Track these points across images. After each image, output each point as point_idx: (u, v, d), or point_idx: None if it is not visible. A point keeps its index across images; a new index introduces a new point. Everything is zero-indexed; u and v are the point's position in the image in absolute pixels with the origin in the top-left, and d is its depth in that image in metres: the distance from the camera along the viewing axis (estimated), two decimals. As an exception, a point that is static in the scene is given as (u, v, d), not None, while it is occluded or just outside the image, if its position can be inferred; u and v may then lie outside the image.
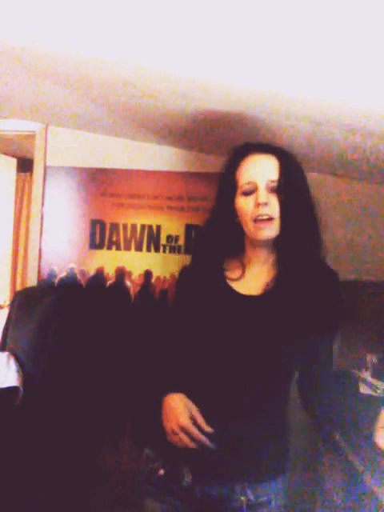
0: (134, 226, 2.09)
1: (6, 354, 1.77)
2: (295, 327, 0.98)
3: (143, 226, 2.08)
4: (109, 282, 2.08)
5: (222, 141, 1.55)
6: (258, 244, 1.05)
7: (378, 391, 1.56)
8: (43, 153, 2.12)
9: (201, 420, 0.95)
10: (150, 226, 2.08)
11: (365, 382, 1.61)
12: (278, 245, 1.04)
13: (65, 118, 1.97)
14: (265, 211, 0.99)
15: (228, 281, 1.07)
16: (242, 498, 0.94)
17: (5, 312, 2.90)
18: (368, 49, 0.85)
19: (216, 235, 1.11)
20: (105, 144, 2.10)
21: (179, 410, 0.96)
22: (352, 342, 1.70)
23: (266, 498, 0.96)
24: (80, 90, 1.47)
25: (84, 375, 1.82)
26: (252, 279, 1.06)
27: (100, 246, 2.10)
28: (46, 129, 2.11)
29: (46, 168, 2.12)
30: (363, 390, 1.59)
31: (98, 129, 2.03)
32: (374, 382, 1.58)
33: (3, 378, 1.63)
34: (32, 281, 2.12)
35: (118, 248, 2.09)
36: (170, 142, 2.00)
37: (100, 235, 2.10)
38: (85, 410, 1.84)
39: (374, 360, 1.62)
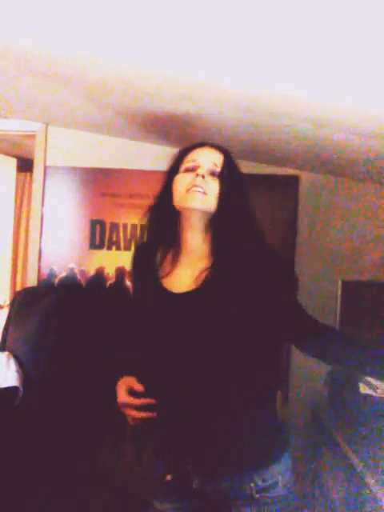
0: (134, 226, 2.09)
1: (6, 353, 1.77)
2: (231, 319, 0.95)
3: (143, 226, 2.08)
4: (109, 282, 2.08)
5: (222, 142, 1.55)
6: (188, 225, 1.03)
7: (378, 391, 1.56)
8: (43, 153, 2.12)
9: (137, 387, 1.03)
10: (150, 226, 2.08)
11: (365, 382, 1.61)
12: (213, 238, 1.02)
13: (65, 118, 1.97)
14: (201, 183, 0.98)
15: (160, 277, 1.06)
16: (252, 484, 0.96)
17: (5, 312, 2.89)
18: (368, 50, 0.85)
19: (153, 223, 1.13)
20: (105, 144, 2.10)
21: (118, 391, 1.05)
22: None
23: (273, 481, 0.97)
24: (80, 90, 1.47)
25: (84, 375, 1.82)
26: (183, 274, 1.04)
27: (100, 246, 2.10)
28: (46, 129, 2.11)
29: (45, 168, 2.12)
30: (363, 390, 1.60)
31: (98, 129, 2.03)
32: (374, 382, 1.58)
33: (3, 377, 1.64)
34: (32, 281, 2.12)
35: (118, 248, 2.09)
36: (170, 143, 2.00)
37: (100, 235, 2.10)
38: (85, 410, 1.84)
39: (374, 360, 1.61)
